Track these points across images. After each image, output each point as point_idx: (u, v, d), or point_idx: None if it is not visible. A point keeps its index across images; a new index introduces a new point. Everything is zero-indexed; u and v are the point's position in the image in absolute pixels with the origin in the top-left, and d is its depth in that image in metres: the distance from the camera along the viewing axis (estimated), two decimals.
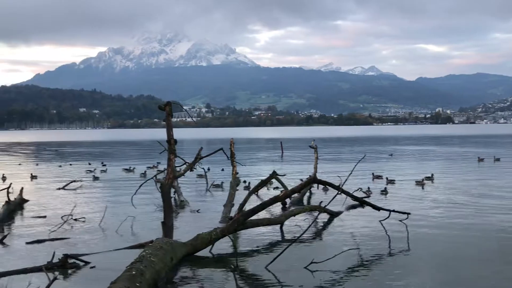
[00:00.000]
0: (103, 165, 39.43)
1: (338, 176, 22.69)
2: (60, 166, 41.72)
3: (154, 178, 20.61)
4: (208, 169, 28.74)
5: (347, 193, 17.31)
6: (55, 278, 7.32)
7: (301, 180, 23.85)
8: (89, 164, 41.85)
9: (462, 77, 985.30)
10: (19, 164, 44.74)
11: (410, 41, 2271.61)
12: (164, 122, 13.82)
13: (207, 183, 26.41)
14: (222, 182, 26.05)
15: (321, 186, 23.41)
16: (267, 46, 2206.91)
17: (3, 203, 18.48)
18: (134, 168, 35.83)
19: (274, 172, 18.23)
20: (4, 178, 30.96)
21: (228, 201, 17.73)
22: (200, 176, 28.96)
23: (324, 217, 16.84)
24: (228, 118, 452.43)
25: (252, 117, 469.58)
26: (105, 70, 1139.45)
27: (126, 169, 35.67)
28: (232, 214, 16.24)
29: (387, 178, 26.92)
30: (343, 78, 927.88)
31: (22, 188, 22.10)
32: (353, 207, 18.63)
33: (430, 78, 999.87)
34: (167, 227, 13.30)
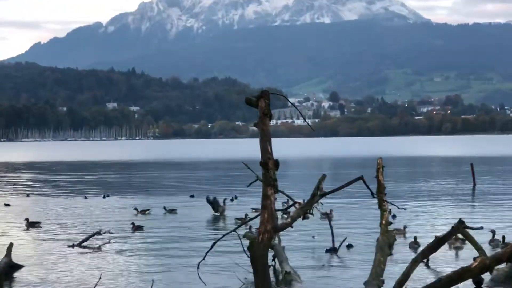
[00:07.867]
0: (171, 211, 39.93)
1: None
2: (86, 197, 46.48)
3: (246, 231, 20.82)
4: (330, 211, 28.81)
5: None
6: None
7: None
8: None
9: None
10: None
11: None
12: (256, 128, 13.96)
13: (332, 236, 26.08)
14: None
15: None
16: None
17: None
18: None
19: (460, 221, 17.84)
20: None
21: (373, 273, 17.59)
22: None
23: None
24: (371, 120, 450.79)
25: (416, 118, 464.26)
26: (150, 34, 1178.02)
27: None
28: None
29: None
30: None
31: (11, 245, 23.14)
32: None
33: None
34: None
